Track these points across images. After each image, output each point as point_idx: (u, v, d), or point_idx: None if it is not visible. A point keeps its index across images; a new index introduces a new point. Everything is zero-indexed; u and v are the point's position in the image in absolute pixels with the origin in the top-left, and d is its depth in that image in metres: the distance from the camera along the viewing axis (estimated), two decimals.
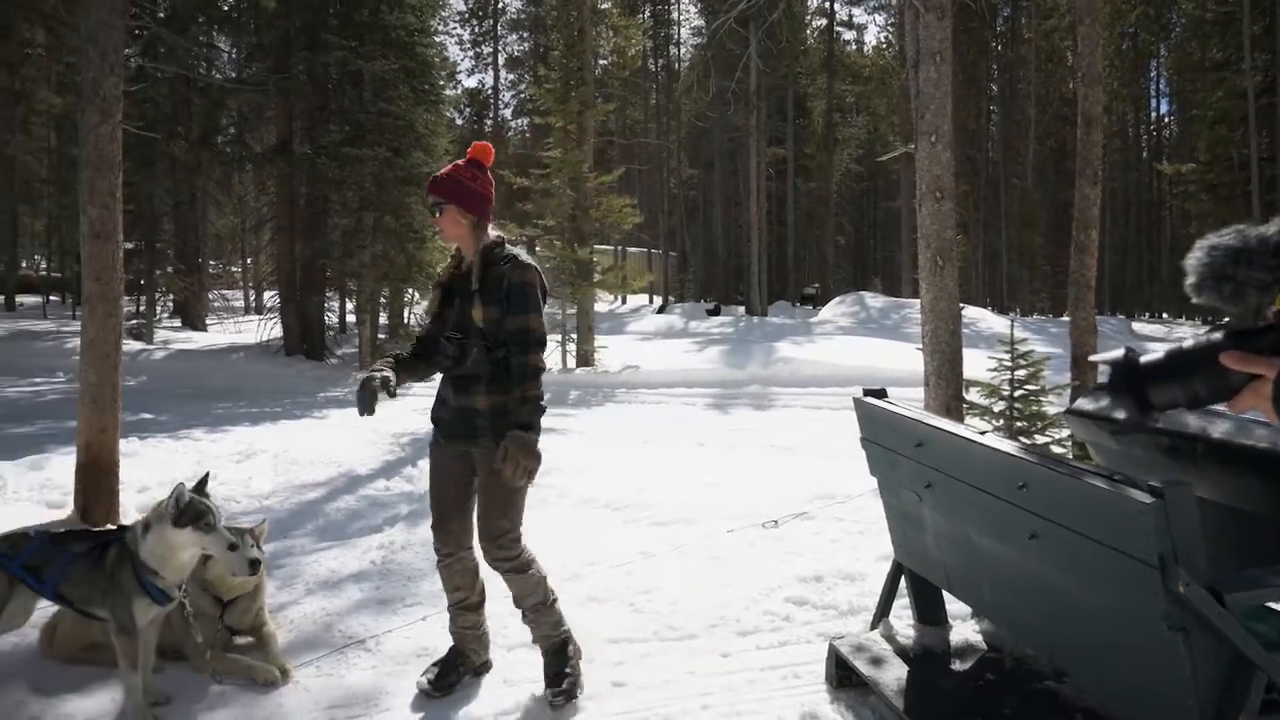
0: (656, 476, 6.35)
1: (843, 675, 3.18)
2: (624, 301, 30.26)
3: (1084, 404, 3.06)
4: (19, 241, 28.63)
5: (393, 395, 3.02)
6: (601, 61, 20.11)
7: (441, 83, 15.34)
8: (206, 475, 3.12)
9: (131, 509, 5.39)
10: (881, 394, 3.18)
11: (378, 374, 2.95)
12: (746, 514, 5.23)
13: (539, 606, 3.13)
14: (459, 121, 31.29)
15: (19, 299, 26.90)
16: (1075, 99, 8.20)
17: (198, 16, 15.06)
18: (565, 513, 5.44)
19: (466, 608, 3.21)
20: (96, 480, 5.04)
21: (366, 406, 2.91)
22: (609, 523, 5.22)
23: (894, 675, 2.99)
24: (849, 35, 41.38)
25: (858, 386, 11.62)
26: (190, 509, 2.88)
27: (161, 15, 14.80)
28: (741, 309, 27.97)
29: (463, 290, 3.04)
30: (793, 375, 12.21)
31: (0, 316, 22.71)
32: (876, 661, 3.09)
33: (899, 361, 12.29)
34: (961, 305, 5.78)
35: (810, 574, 4.18)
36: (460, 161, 3.10)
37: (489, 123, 32.25)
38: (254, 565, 3.03)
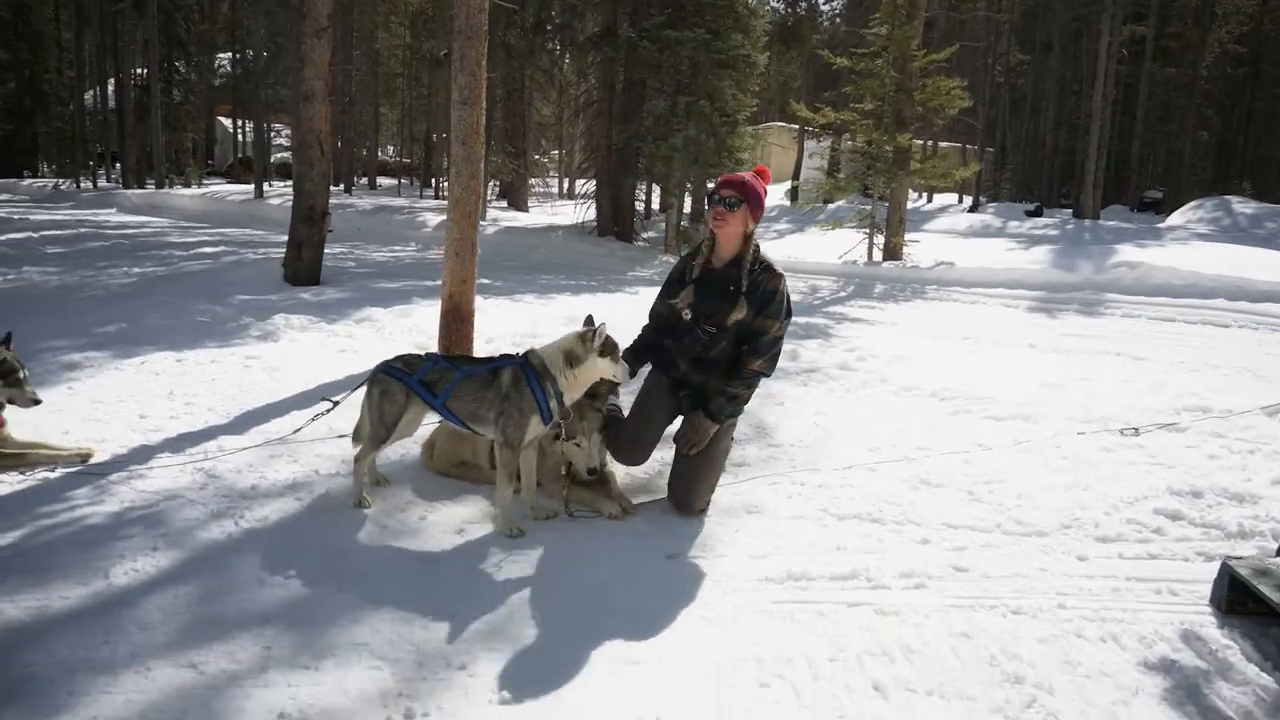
0: (986, 371, 5.89)
1: (1235, 600, 2.77)
2: (930, 199, 28.25)
3: None
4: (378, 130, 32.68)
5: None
6: None
7: None
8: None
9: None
10: None
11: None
12: (1098, 419, 4.68)
13: None
14: (775, 4, 30.27)
15: (379, 179, 31.14)
16: None
17: None
18: (887, 397, 5.21)
19: None
20: (457, 326, 5.60)
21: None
22: (937, 411, 4.92)
23: None
24: None
25: (1222, 299, 9.88)
26: (609, 342, 3.32)
27: None
28: (1068, 212, 24.93)
29: (718, 287, 3.43)
30: (1138, 282, 10.66)
31: (364, 194, 26.34)
32: None
33: None
34: None
35: (1184, 488, 3.65)
36: (749, 174, 3.50)
37: (803, 4, 30.87)
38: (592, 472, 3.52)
